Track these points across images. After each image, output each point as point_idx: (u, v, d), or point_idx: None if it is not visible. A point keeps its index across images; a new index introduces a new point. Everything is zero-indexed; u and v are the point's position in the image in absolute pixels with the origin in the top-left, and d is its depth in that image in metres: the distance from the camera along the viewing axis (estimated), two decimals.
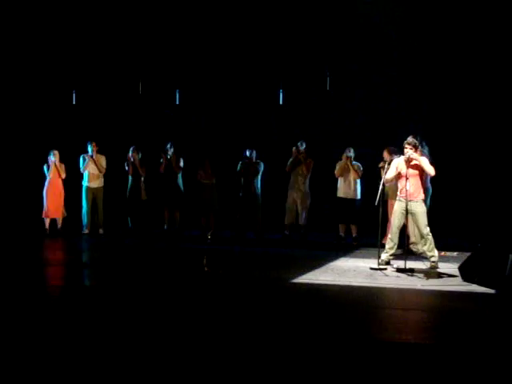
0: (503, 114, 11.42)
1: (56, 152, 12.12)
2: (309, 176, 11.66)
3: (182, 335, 5.55)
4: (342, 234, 11.42)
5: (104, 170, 12.42)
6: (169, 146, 12.24)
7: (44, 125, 13.49)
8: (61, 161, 12.22)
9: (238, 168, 11.93)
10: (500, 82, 11.39)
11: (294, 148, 11.57)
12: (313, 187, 11.80)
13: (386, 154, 10.27)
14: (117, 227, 12.61)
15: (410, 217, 8.81)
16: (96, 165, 12.30)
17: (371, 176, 10.73)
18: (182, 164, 12.24)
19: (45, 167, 12.16)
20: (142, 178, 12.39)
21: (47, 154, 12.18)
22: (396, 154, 9.64)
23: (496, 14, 11.32)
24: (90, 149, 12.30)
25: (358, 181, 11.24)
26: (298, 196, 11.72)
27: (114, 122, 13.52)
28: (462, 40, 11.58)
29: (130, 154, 12.27)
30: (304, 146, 11.62)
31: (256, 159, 11.90)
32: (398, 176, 8.90)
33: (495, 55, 11.42)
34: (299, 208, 11.75)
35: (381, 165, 10.34)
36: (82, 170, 12.31)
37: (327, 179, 11.56)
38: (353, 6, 12.18)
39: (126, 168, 12.33)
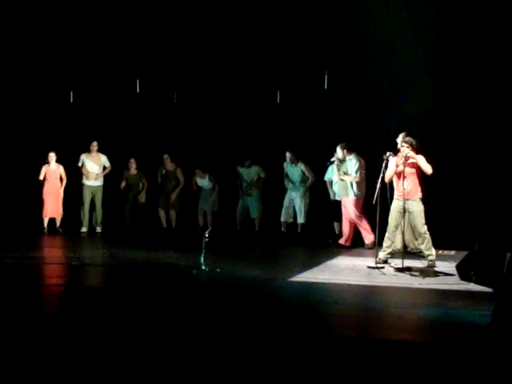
0: (503, 112, 11.39)
1: (52, 154, 12.19)
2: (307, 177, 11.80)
3: (178, 335, 5.54)
4: (337, 232, 11.37)
5: (107, 169, 12.55)
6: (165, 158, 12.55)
7: (42, 124, 13.45)
8: (59, 161, 12.30)
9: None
10: (496, 83, 11.37)
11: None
12: (311, 187, 11.84)
13: (338, 150, 10.72)
14: (115, 226, 12.65)
15: (406, 215, 8.79)
16: (96, 163, 12.40)
17: (370, 175, 10.70)
18: (181, 178, 12.64)
19: (44, 168, 12.24)
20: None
21: (46, 154, 12.25)
22: (348, 151, 10.58)
23: (496, 13, 11.30)
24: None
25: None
26: (295, 195, 11.78)
27: (112, 122, 13.48)
28: (460, 40, 11.53)
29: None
30: (289, 155, 11.77)
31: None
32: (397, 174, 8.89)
33: (494, 58, 11.38)
34: (297, 206, 11.81)
35: (333, 159, 10.79)
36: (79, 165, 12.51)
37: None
38: (351, 5, 12.17)
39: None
